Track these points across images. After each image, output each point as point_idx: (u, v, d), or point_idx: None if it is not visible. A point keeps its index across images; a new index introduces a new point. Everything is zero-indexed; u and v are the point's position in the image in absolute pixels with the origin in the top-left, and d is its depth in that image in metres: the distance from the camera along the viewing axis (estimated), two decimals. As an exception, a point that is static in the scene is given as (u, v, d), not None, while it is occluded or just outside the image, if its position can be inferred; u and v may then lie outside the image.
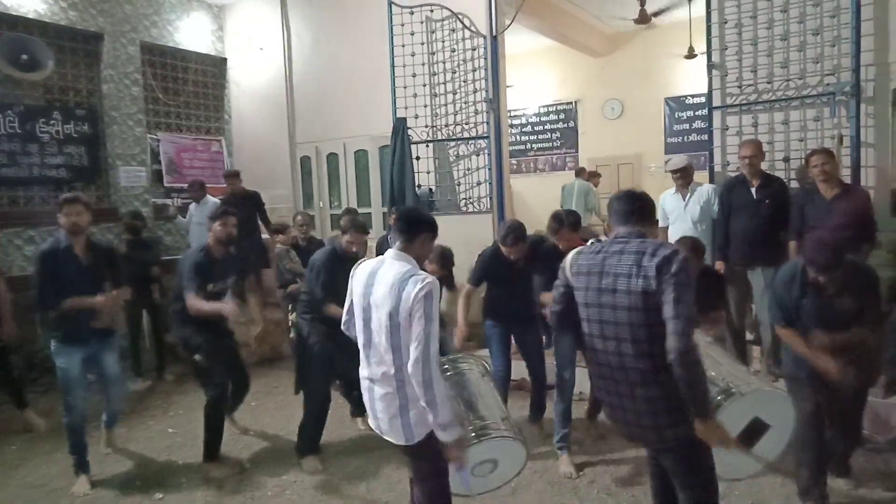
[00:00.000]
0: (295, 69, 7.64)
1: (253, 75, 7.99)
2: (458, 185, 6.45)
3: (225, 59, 8.14)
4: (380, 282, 2.28)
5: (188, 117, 7.91)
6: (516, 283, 4.07)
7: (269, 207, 7.80)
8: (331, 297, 3.89)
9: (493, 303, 4.27)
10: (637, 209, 2.24)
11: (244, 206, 6.32)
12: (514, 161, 10.89)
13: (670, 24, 9.33)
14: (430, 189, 6.50)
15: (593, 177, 8.99)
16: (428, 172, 6.42)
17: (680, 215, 4.89)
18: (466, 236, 5.36)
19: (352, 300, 2.46)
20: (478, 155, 6.30)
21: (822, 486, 3.13)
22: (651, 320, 2.06)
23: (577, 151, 10.95)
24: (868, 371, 3.21)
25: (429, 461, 2.36)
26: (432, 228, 2.42)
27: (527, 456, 2.71)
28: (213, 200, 6.91)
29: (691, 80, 9.29)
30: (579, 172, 8.82)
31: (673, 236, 4.93)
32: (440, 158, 6.48)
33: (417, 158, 6.31)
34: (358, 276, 2.42)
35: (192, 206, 6.93)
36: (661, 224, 5.12)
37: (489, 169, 6.19)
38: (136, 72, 7.16)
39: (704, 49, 5.30)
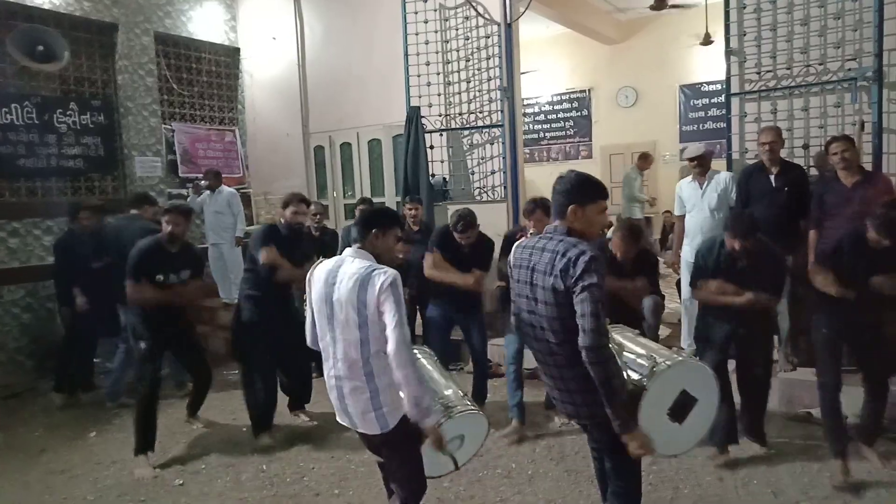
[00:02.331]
0: (308, 58, 7.63)
1: (266, 65, 7.99)
2: (473, 173, 6.43)
3: (238, 49, 8.15)
4: (342, 279, 2.39)
5: (202, 107, 7.93)
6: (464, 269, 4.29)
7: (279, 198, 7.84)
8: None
9: (437, 286, 4.43)
10: (570, 195, 2.27)
11: None
12: (526, 150, 10.81)
13: (685, 10, 9.22)
14: (444, 178, 6.48)
15: (643, 160, 8.70)
16: (442, 161, 6.41)
17: (697, 203, 4.84)
18: (481, 225, 5.33)
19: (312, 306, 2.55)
20: (492, 143, 6.28)
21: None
22: (563, 314, 2.19)
23: (590, 140, 10.88)
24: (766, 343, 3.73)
25: (402, 447, 2.48)
26: (383, 222, 2.54)
27: (488, 428, 2.83)
28: (228, 190, 6.95)
29: (707, 67, 9.19)
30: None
31: (690, 225, 4.90)
32: (454, 147, 6.46)
33: (431, 147, 6.29)
34: (316, 276, 2.51)
35: (206, 194, 6.96)
36: (677, 212, 5.09)
37: (503, 157, 6.17)
38: (150, 62, 7.19)
39: (721, 35, 5.23)
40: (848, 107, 4.59)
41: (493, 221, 5.74)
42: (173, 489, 3.77)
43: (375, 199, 6.87)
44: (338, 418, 2.58)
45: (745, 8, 4.92)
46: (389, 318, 2.30)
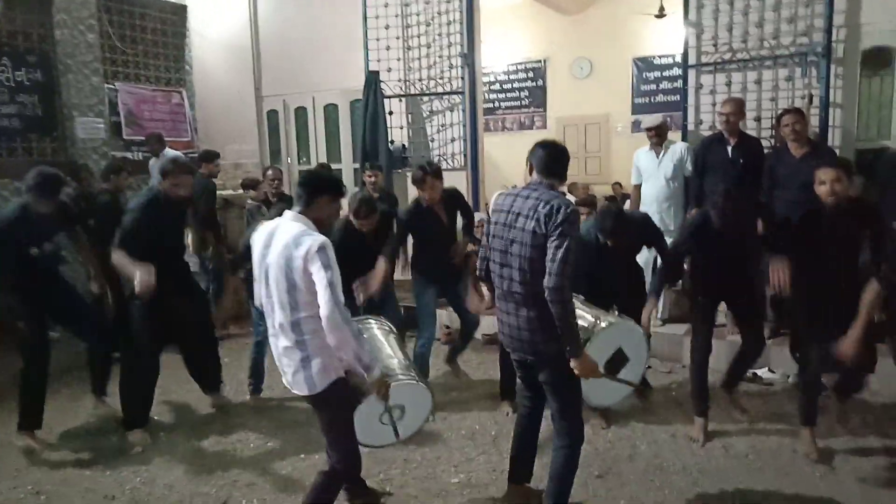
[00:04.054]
0: (261, 18, 7.36)
1: (216, 24, 7.66)
2: (432, 141, 6.39)
3: (185, 7, 7.77)
4: (276, 243, 2.42)
5: (147, 67, 7.57)
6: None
7: (234, 162, 7.59)
8: (127, 244, 3.58)
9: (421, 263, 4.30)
10: (559, 163, 2.57)
11: None
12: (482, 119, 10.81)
13: (641, -19, 9.29)
14: (404, 145, 6.42)
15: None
16: (401, 128, 6.34)
17: (653, 173, 4.96)
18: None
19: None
20: (452, 111, 6.24)
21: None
22: (534, 255, 2.43)
23: (545, 110, 10.94)
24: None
25: (333, 410, 2.53)
26: (332, 190, 2.55)
27: (433, 401, 2.90)
28: (171, 153, 6.69)
29: (660, 40, 9.32)
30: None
31: (646, 193, 5.02)
32: (414, 114, 6.39)
33: (390, 113, 6.21)
34: (257, 237, 2.53)
35: (152, 160, 6.69)
36: (634, 182, 5.20)
37: (463, 125, 6.14)
38: (90, 17, 6.77)
39: (674, 9, 5.32)
40: (798, 81, 4.76)
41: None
42: (132, 457, 3.69)
43: (333, 166, 6.76)
44: (283, 379, 2.58)
45: (704, -19, 5.01)
46: (319, 282, 2.31)
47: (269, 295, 2.47)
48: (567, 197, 3.15)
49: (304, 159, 7.38)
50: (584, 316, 2.71)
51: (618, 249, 3.62)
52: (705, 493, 3.12)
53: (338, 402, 2.52)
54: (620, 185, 8.63)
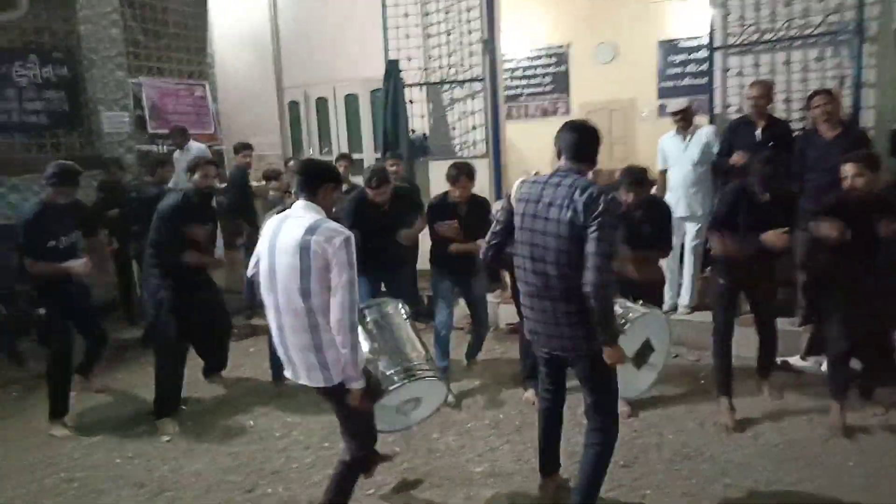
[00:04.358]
0: (280, 10, 7.36)
1: (236, 17, 7.68)
2: (454, 129, 6.34)
3: (205, 0, 7.81)
4: (289, 230, 2.33)
5: (170, 60, 7.62)
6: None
7: (257, 154, 7.63)
8: (177, 248, 3.89)
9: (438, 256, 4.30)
10: (590, 147, 2.47)
11: None
12: (505, 106, 10.70)
13: (665, -37, 9.09)
14: (425, 134, 6.39)
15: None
16: (422, 116, 6.31)
17: (679, 158, 4.87)
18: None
19: (259, 250, 2.50)
20: (473, 98, 6.18)
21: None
22: (571, 248, 2.30)
23: (568, 96, 10.79)
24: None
25: (347, 404, 2.45)
26: (334, 179, 2.52)
27: (447, 393, 2.95)
28: (196, 146, 6.76)
29: (686, 22, 9.11)
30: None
31: (672, 179, 4.94)
32: (434, 102, 6.35)
33: (411, 102, 6.18)
34: (268, 226, 2.47)
35: (177, 153, 6.76)
36: (660, 167, 5.11)
37: (485, 112, 6.09)
38: (113, 12, 6.84)
39: (703, -12, 5.19)
40: (829, 61, 4.62)
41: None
42: (160, 446, 3.75)
43: (354, 156, 6.75)
44: (285, 372, 2.57)
45: (729, -41, 4.87)
46: (337, 278, 2.24)
47: (274, 287, 2.38)
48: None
49: (327, 150, 7.38)
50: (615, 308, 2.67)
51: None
52: (733, 483, 3.07)
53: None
54: (647, 170, 8.49)
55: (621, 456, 3.32)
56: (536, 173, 2.78)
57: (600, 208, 2.23)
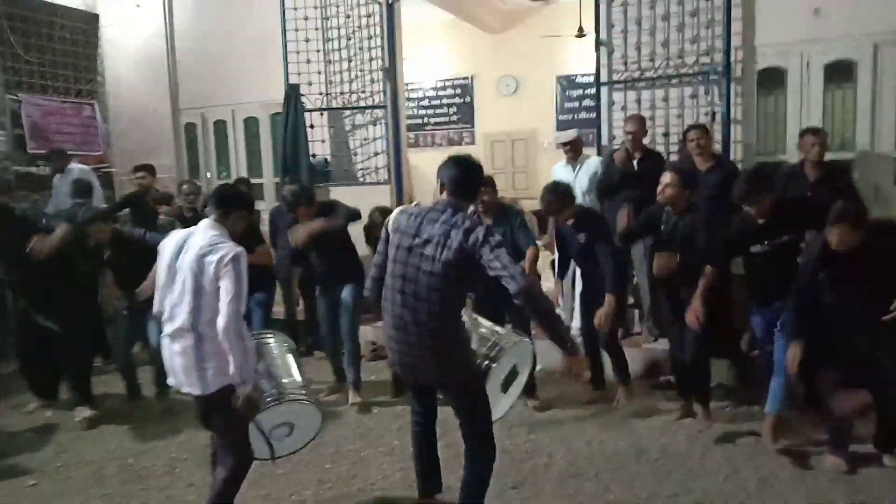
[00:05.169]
0: (177, 28, 7.13)
1: (129, 34, 7.37)
2: (355, 155, 6.34)
3: (97, 16, 7.46)
4: (190, 248, 2.53)
5: (55, 78, 7.19)
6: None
7: (150, 178, 7.31)
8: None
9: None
10: (472, 183, 2.53)
11: None
12: (411, 135, 10.82)
13: (563, 3, 9.57)
14: (326, 159, 6.35)
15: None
16: (323, 141, 6.27)
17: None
18: (364, 207, 5.28)
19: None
20: (374, 125, 6.22)
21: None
22: (444, 286, 2.35)
23: (473, 126, 11.07)
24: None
25: (226, 413, 2.57)
26: (247, 207, 2.79)
27: (321, 420, 2.96)
28: (78, 168, 6.40)
29: (582, 59, 9.58)
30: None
31: (563, 206, 5.13)
32: (336, 127, 6.33)
33: (311, 127, 6.13)
34: (168, 242, 2.64)
35: (56, 176, 6.36)
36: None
37: (386, 139, 6.13)
38: (-9, 24, 6.42)
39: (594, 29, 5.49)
40: (703, 98, 5.00)
41: (376, 202, 5.69)
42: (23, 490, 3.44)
43: (253, 181, 6.60)
44: (168, 380, 2.69)
45: (613, 2, 5.20)
46: (225, 292, 2.43)
47: (171, 298, 2.56)
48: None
49: (224, 174, 7.18)
50: (485, 336, 2.75)
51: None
52: (616, 499, 3.17)
53: (233, 407, 2.55)
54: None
55: (511, 478, 3.38)
56: (417, 203, 2.84)
57: (480, 237, 2.32)
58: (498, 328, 2.97)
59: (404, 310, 2.44)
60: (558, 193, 3.95)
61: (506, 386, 2.75)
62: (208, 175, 7.19)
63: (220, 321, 2.42)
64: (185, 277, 2.50)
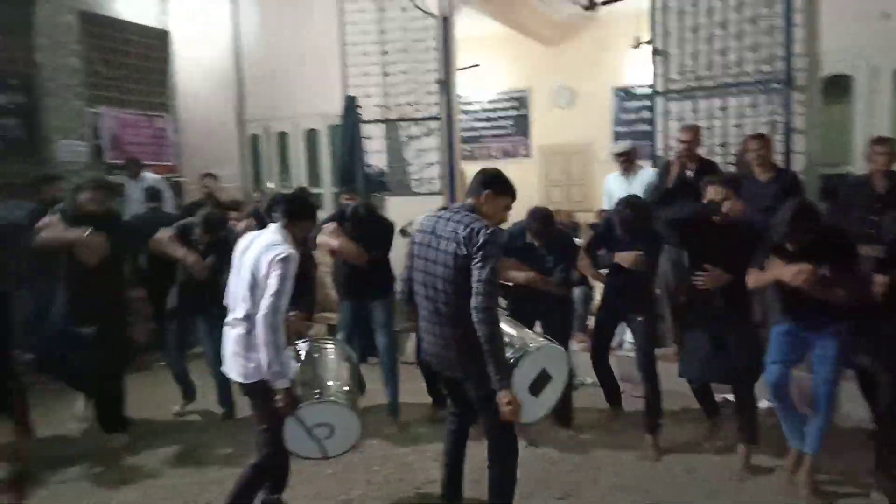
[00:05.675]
0: (243, 44, 7.47)
1: (199, 50, 7.77)
2: (410, 165, 6.45)
3: (167, 32, 7.88)
4: (254, 246, 2.75)
5: (130, 92, 7.63)
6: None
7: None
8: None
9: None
10: (485, 185, 2.63)
11: None
12: (467, 147, 10.92)
13: (620, 13, 9.48)
14: (382, 169, 6.48)
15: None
16: (379, 152, 6.41)
17: (624, 197, 5.02)
18: (418, 217, 5.38)
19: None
20: (429, 136, 6.32)
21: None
22: (456, 278, 2.50)
23: (528, 139, 11.07)
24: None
25: (264, 405, 2.73)
26: (312, 218, 3.02)
27: (360, 428, 3.01)
28: (151, 176, 6.77)
29: (639, 70, 9.48)
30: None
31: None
32: (392, 138, 6.47)
33: (368, 138, 6.28)
34: (241, 241, 2.88)
35: (130, 182, 6.75)
36: (606, 206, 5.26)
37: (441, 150, 6.22)
38: (73, 42, 6.87)
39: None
40: (762, 107, 4.86)
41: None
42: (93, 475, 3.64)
43: (313, 190, 6.82)
44: (222, 367, 2.88)
45: (668, 10, 5.14)
46: (270, 286, 2.60)
47: (235, 291, 2.78)
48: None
49: (287, 183, 7.43)
50: (512, 337, 2.77)
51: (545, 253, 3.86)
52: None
53: (270, 400, 2.70)
54: (604, 212, 8.70)
55: (557, 489, 3.36)
56: (443, 208, 2.99)
57: (480, 240, 2.44)
58: (527, 332, 2.99)
59: (427, 302, 2.65)
60: (639, 208, 3.76)
61: (536, 389, 2.72)
62: (271, 185, 7.46)
63: (261, 312, 2.60)
64: (245, 272, 2.71)
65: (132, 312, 4.36)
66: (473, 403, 2.70)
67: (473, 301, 2.43)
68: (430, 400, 4.39)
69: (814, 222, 3.03)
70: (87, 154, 7.02)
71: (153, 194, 6.08)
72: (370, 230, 4.17)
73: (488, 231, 2.47)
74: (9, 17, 6.44)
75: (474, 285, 2.44)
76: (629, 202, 3.76)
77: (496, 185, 2.63)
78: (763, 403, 4.07)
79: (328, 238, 4.12)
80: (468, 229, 2.49)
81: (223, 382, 4.18)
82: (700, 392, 3.75)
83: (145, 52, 7.75)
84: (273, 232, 2.77)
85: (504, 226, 3.13)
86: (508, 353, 2.60)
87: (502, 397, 2.45)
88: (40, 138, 6.65)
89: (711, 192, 3.45)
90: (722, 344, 3.41)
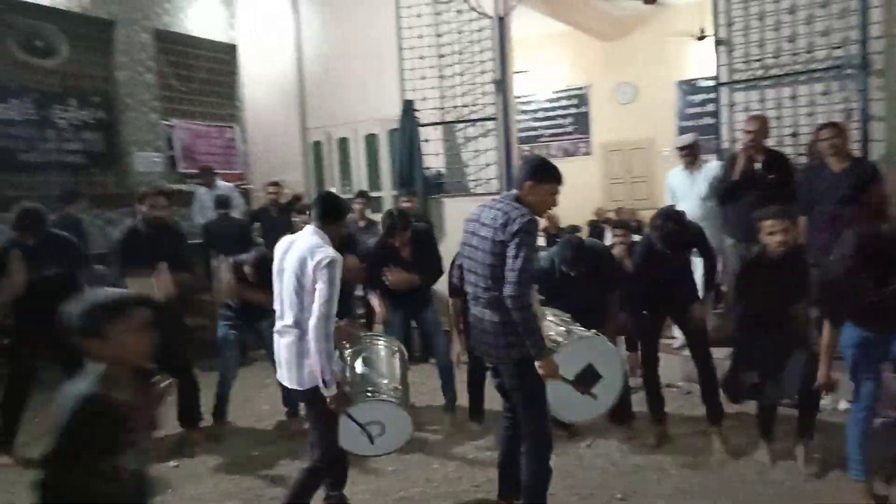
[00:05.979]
0: (305, 54, 7.69)
1: (264, 62, 8.05)
2: (467, 167, 6.48)
3: (234, 47, 8.21)
4: (295, 249, 2.73)
5: (201, 104, 8.00)
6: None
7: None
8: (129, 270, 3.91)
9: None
10: (527, 175, 2.64)
11: None
12: (526, 147, 10.86)
13: (681, 5, 9.24)
14: (439, 171, 6.54)
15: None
16: (437, 154, 6.46)
17: (688, 193, 4.89)
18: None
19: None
20: (486, 137, 6.32)
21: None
22: (495, 262, 2.53)
23: (589, 136, 10.91)
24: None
25: (320, 408, 2.72)
26: (344, 215, 2.98)
27: (412, 427, 3.01)
28: (224, 185, 7.06)
29: (703, 62, 9.19)
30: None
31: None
32: (449, 140, 6.51)
33: (426, 141, 6.35)
34: (280, 244, 2.86)
35: (202, 190, 7.07)
36: (668, 202, 5.10)
37: (498, 150, 6.21)
38: (149, 59, 7.27)
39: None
40: (835, 94, 4.62)
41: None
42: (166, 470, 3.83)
43: (373, 194, 6.95)
44: (277, 376, 2.90)
45: (732, -3, 4.97)
46: (319, 294, 2.59)
47: (281, 297, 2.79)
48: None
49: (348, 188, 7.59)
50: (558, 328, 2.78)
51: (582, 280, 3.65)
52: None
53: (324, 403, 2.70)
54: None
55: (619, 489, 3.29)
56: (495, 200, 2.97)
57: (515, 227, 2.47)
58: (578, 327, 2.96)
59: (470, 286, 2.71)
60: (681, 221, 3.65)
61: (584, 385, 2.70)
62: (333, 189, 7.63)
63: (312, 320, 2.60)
64: (289, 278, 2.70)
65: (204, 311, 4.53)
66: (509, 393, 2.72)
67: (506, 289, 2.46)
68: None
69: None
70: (162, 165, 7.40)
71: (222, 201, 6.38)
72: (415, 248, 4.10)
73: (525, 219, 2.48)
74: (91, 38, 6.88)
75: (507, 273, 2.47)
76: (668, 215, 3.65)
77: (537, 174, 2.64)
78: (842, 405, 3.89)
79: (376, 303, 4.10)
80: (506, 216, 2.53)
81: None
82: (770, 410, 3.54)
83: (214, 65, 8.11)
84: (311, 234, 2.74)
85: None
86: (554, 336, 2.63)
87: (540, 366, 2.50)
88: (119, 151, 7.06)
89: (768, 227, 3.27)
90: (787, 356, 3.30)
